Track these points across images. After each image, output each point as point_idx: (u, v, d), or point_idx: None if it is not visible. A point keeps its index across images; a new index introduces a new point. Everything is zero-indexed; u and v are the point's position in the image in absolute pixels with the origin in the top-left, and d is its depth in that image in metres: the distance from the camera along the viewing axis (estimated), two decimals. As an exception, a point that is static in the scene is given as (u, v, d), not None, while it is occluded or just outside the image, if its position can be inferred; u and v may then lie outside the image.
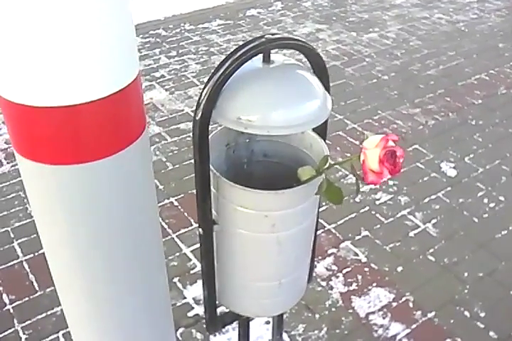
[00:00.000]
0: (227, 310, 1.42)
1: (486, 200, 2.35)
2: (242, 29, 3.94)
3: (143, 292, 1.10)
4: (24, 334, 1.77)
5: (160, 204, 2.32)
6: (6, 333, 1.77)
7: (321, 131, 1.25)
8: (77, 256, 0.94)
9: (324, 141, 1.23)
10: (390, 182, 2.45)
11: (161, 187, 2.41)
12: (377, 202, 2.33)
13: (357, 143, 2.71)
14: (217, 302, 1.36)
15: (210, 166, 1.11)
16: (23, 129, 0.79)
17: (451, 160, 2.60)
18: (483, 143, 2.72)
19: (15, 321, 1.81)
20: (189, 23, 4.07)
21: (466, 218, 2.26)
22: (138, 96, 0.85)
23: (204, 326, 1.75)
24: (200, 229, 1.21)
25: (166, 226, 2.20)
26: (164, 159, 2.59)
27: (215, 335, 1.76)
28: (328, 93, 1.14)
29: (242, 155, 1.35)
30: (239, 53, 0.99)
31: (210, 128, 1.01)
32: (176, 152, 2.64)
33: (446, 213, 2.28)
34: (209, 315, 1.39)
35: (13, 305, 1.87)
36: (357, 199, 2.34)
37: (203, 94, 1.00)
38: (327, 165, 1.06)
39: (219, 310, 1.35)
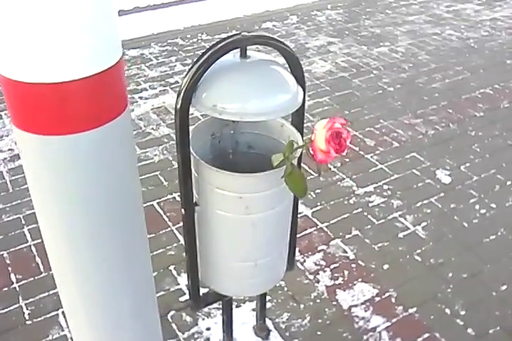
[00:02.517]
0: (211, 291, 1.53)
1: (477, 207, 2.42)
2: (256, 40, 4.09)
3: (125, 260, 1.21)
4: (27, 309, 1.90)
5: (163, 199, 2.45)
6: (11, 308, 1.91)
7: (298, 124, 1.36)
8: (64, 224, 1.07)
9: (301, 134, 1.35)
10: (385, 187, 2.54)
11: (165, 183, 2.55)
12: (371, 205, 2.42)
13: (357, 149, 2.81)
14: (200, 281, 1.47)
15: (191, 149, 1.23)
16: (18, 102, 0.92)
17: (447, 168, 2.68)
18: (481, 153, 2.80)
19: (20, 298, 1.95)
20: (206, 33, 4.24)
21: (456, 222, 2.33)
22: (119, 78, 0.98)
23: (194, 310, 1.87)
24: (183, 210, 1.33)
25: (166, 219, 2.32)
26: (171, 158, 2.73)
27: (203, 319, 1.87)
28: (303, 87, 1.25)
29: (227, 146, 1.47)
30: (216, 48, 1.12)
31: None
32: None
33: (437, 217, 2.36)
34: (192, 293, 1.50)
35: (20, 283, 2.00)
36: (351, 201, 2.44)
37: (183, 83, 1.13)
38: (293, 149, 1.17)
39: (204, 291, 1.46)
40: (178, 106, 1.14)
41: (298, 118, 1.35)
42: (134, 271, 1.28)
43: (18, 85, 0.89)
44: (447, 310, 1.92)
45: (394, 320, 1.88)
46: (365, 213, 2.37)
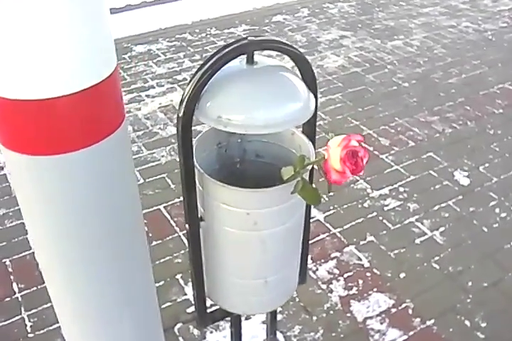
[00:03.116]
0: (218, 307, 1.45)
1: (497, 210, 2.32)
2: (266, 35, 3.98)
3: (125, 290, 1.13)
4: (30, 321, 1.84)
5: (170, 202, 2.37)
6: (13, 320, 1.85)
7: (310, 133, 1.27)
8: (55, 244, 0.99)
9: (313, 143, 1.26)
10: (401, 189, 2.44)
11: (172, 186, 2.46)
12: (386, 208, 2.33)
13: (371, 149, 2.71)
14: (206, 297, 1.39)
15: (195, 163, 1.15)
16: (3, 120, 0.84)
17: (465, 168, 2.57)
18: (500, 153, 2.68)
19: (22, 309, 1.88)
20: (215, 27, 4.13)
21: (475, 227, 2.23)
22: (113, 91, 0.89)
23: (201, 323, 1.79)
24: (187, 225, 1.24)
25: (174, 224, 2.24)
26: (178, 159, 2.64)
27: (211, 332, 1.79)
28: (315, 95, 1.16)
29: (234, 154, 1.38)
30: (221, 53, 1.03)
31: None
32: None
33: (455, 221, 2.26)
34: (199, 310, 1.42)
35: (22, 293, 1.94)
36: (365, 205, 2.35)
37: (186, 91, 1.04)
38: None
39: (211, 306, 1.38)
40: (181, 113, 1.05)
41: (309, 128, 1.25)
42: (135, 296, 1.20)
43: (2, 102, 0.81)
44: (467, 322, 1.83)
45: (411, 333, 1.79)
46: (380, 217, 2.27)
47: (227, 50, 1.03)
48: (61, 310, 1.22)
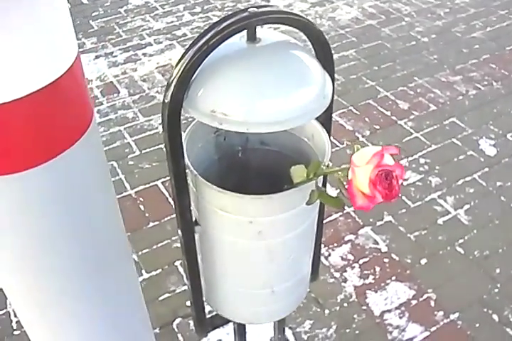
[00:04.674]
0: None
1: (527, 184, 2.11)
2: (272, -17, 3.66)
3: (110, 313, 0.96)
4: (15, 317, 1.68)
5: (168, 177, 2.17)
6: (-3, 314, 1.70)
7: (325, 120, 1.05)
8: (18, 279, 0.80)
9: (329, 132, 1.04)
10: (422, 161, 2.22)
11: (171, 159, 2.26)
12: (405, 183, 2.12)
13: (388, 113, 2.47)
14: (205, 303, 1.22)
15: (186, 161, 0.95)
16: None
17: (492, 136, 2.34)
18: (531, 118, 2.44)
19: (7, 303, 1.73)
20: (217, -25, 3.80)
21: (504, 204, 2.03)
22: (76, 86, 0.67)
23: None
24: (179, 231, 1.06)
25: (172, 202, 2.04)
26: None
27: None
28: (332, 77, 0.93)
29: (235, 142, 1.17)
30: (216, 30, 0.80)
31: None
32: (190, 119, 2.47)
33: (482, 198, 2.05)
34: (196, 316, 1.25)
35: (7, 284, 1.78)
36: (382, 180, 2.14)
37: (174, 74, 0.82)
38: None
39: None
40: (167, 99, 0.83)
41: (325, 114, 1.03)
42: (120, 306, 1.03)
43: None
44: (495, 316, 1.66)
45: (433, 329, 1.63)
46: (399, 194, 2.07)
47: (223, 25, 0.80)
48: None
